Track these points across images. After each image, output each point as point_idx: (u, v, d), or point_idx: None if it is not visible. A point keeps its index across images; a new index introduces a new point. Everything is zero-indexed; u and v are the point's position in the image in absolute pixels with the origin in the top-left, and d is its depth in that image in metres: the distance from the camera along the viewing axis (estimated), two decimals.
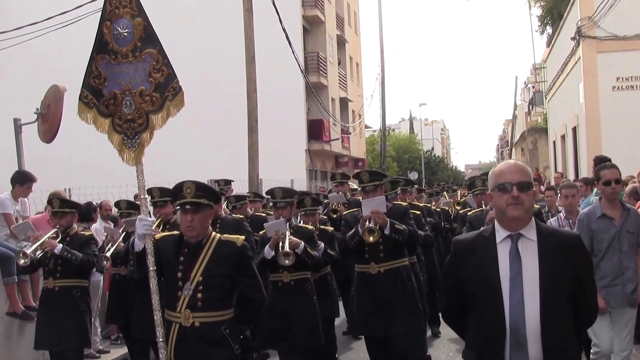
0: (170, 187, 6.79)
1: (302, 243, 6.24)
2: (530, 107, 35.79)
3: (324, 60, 32.66)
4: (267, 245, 6.28)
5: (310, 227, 6.88)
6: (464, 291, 3.36)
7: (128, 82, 4.60)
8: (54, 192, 8.34)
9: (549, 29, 28.19)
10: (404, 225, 6.43)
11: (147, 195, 4.70)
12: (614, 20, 15.86)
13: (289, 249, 6.07)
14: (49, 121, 11.01)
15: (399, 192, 8.47)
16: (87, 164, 23.63)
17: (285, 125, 27.56)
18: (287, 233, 6.21)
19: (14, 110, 13.18)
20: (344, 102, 37.76)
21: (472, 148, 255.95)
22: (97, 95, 4.69)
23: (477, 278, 3.27)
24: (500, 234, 3.29)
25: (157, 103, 4.56)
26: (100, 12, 4.73)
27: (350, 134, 37.63)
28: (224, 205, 9.21)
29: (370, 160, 45.14)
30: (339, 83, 36.61)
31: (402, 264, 6.64)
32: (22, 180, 8.58)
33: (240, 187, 12.95)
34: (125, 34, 4.60)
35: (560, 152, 23.11)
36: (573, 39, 17.67)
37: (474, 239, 3.40)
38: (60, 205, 6.90)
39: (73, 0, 14.48)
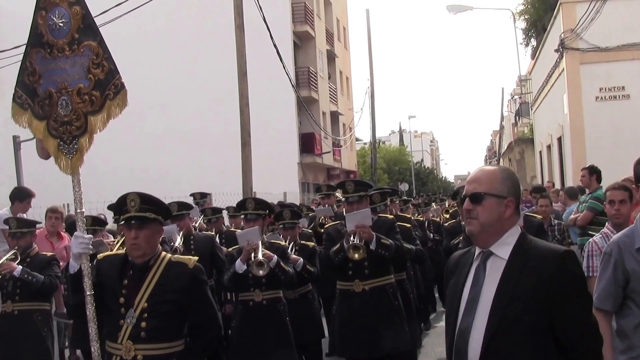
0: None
1: (275, 257, 5.88)
2: (517, 118, 36.14)
3: (314, 75, 32.96)
4: (239, 259, 5.90)
5: (282, 243, 6.47)
6: None
7: (64, 79, 4.03)
8: (51, 207, 8.44)
9: (533, 42, 28.48)
10: (390, 240, 6.02)
11: (83, 209, 4.15)
12: (596, 33, 16.03)
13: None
14: None
15: (388, 203, 7.98)
16: (84, 180, 23.77)
17: (278, 139, 27.88)
18: (260, 243, 5.86)
19: (13, 127, 13.35)
20: (334, 115, 38.05)
21: (461, 159, 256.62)
22: (31, 95, 4.14)
23: (448, 298, 2.95)
24: (477, 250, 2.86)
25: (96, 103, 3.97)
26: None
27: (341, 146, 37.90)
28: (200, 220, 8.89)
29: (361, 172, 45.42)
30: (330, 97, 36.92)
31: (388, 281, 6.25)
32: (21, 197, 8.65)
33: (234, 200, 13.18)
34: (61, 24, 4.02)
35: (546, 162, 23.34)
36: (557, 51, 17.87)
37: (463, 254, 2.98)
38: (17, 225, 6.54)
39: None
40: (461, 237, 7.51)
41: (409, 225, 7.87)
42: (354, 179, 6.93)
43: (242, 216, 6.49)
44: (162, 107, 28.42)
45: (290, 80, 20.25)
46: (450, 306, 2.87)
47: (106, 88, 3.98)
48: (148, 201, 3.93)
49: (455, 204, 10.56)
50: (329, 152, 34.55)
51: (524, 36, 29.59)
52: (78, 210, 4.12)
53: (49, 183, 11.56)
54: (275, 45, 16.41)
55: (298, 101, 27.93)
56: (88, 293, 3.95)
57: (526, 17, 28.16)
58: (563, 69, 17.60)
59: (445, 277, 3.03)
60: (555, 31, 18.60)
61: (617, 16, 15.98)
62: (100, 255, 4.21)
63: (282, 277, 5.91)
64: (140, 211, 3.87)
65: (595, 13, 15.45)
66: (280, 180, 24.19)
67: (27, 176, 11.49)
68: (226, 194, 14.72)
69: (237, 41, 14.67)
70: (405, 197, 13.63)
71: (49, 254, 6.68)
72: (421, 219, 11.50)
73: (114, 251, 5.13)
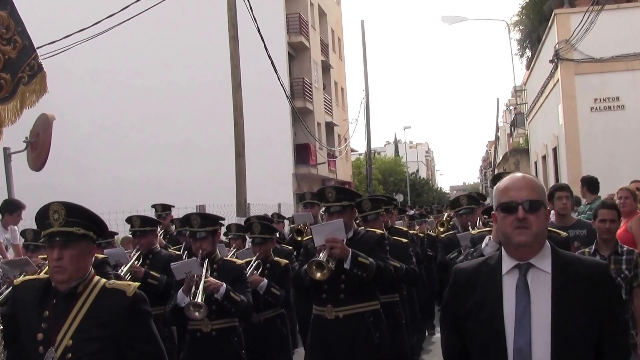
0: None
1: (224, 286, 5.01)
2: (512, 128, 36.25)
3: (309, 86, 33.05)
4: (181, 290, 5.06)
5: (239, 262, 5.59)
6: (465, 331, 2.79)
7: None
8: None
9: (528, 52, 28.54)
10: (370, 259, 5.01)
11: None
12: (590, 43, 16.09)
13: (206, 294, 4.91)
14: (38, 149, 11.21)
15: (382, 212, 6.91)
16: (77, 192, 23.77)
17: (272, 150, 27.98)
18: (204, 274, 5.01)
19: (3, 139, 13.28)
20: (329, 126, 38.13)
21: (457, 169, 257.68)
22: None
23: (478, 317, 2.72)
24: (507, 263, 2.71)
25: (6, 88, 3.38)
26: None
27: (336, 157, 37.94)
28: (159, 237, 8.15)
29: (356, 183, 45.41)
30: (325, 108, 36.98)
31: (368, 308, 5.21)
32: (11, 209, 8.67)
33: (228, 211, 13.14)
34: None
35: (541, 172, 23.36)
36: (551, 61, 17.91)
37: (478, 268, 2.81)
38: None
39: (60, 30, 14.70)
40: (459, 250, 6.45)
41: (405, 240, 6.92)
42: (336, 186, 5.80)
43: (187, 233, 5.66)
44: (156, 118, 28.47)
45: (284, 91, 20.26)
46: (487, 325, 2.68)
47: (19, 69, 3.34)
48: (76, 213, 3.16)
49: (454, 215, 9.46)
50: (324, 162, 34.59)
51: (518, 47, 29.72)
52: None
53: (40, 195, 11.47)
54: (269, 56, 16.44)
55: (293, 112, 27.97)
56: None
57: (521, 27, 28.26)
58: (558, 79, 17.67)
59: (454, 295, 2.85)
60: (549, 42, 18.69)
61: (612, 27, 16.08)
62: (17, 280, 3.43)
63: (232, 309, 5.07)
64: (66, 225, 3.11)
65: (590, 24, 15.52)
66: (274, 191, 24.18)
67: (18, 188, 11.39)
68: (220, 206, 14.67)
69: (231, 52, 14.73)
70: (400, 207, 12.61)
71: None
72: (420, 234, 10.49)
73: (36, 274, 4.28)
